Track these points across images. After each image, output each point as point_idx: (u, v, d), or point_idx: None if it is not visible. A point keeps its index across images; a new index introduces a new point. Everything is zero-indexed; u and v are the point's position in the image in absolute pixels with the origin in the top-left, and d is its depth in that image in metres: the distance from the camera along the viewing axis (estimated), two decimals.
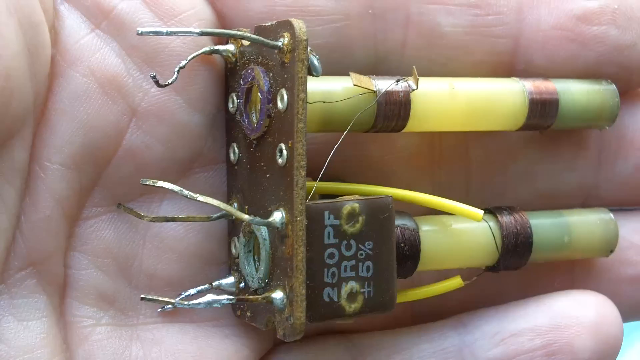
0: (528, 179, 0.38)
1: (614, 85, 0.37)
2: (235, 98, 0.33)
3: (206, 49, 0.32)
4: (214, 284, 0.34)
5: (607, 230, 0.38)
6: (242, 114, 0.32)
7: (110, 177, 0.32)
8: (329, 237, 0.31)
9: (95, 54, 0.31)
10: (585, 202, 0.39)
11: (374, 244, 0.32)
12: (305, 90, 0.30)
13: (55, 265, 0.31)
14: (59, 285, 0.32)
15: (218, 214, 0.33)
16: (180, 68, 0.31)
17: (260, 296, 0.31)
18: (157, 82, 0.31)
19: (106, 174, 0.32)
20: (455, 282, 0.35)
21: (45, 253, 0.31)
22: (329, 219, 0.31)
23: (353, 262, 0.31)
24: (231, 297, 0.31)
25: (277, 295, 0.30)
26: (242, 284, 0.33)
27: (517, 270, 0.37)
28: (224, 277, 0.34)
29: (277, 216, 0.30)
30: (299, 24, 0.30)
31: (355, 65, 0.34)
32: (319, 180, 0.32)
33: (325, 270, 0.31)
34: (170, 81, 0.31)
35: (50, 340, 0.31)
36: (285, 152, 0.30)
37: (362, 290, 0.31)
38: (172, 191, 0.31)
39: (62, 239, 0.32)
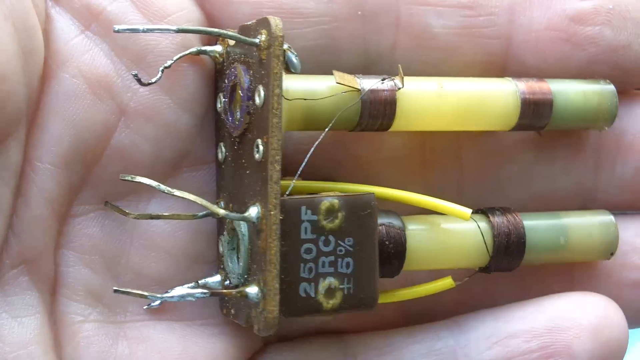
0: (523, 181, 0.38)
1: (613, 86, 0.36)
2: (222, 97, 0.33)
3: (193, 49, 0.33)
4: (200, 282, 0.34)
5: (607, 232, 0.37)
6: (227, 112, 0.33)
7: (98, 176, 0.33)
8: (306, 232, 0.31)
9: (85, 55, 0.32)
10: (584, 205, 0.38)
11: (355, 241, 0.32)
12: (280, 86, 0.30)
13: (46, 262, 0.32)
14: (50, 282, 0.32)
15: (204, 212, 0.33)
16: (165, 67, 0.32)
17: (234, 290, 0.31)
18: (139, 81, 0.32)
19: (95, 173, 0.33)
20: (446, 282, 0.34)
21: (36, 251, 0.32)
22: (306, 214, 0.31)
23: (332, 258, 0.31)
24: (205, 291, 0.31)
25: (252, 290, 0.31)
26: (227, 282, 0.33)
27: (512, 272, 0.36)
28: (211, 275, 0.34)
29: (253, 211, 0.31)
30: (275, 21, 0.30)
31: (345, 66, 0.34)
32: (298, 178, 0.32)
33: (302, 265, 0.31)
34: (153, 80, 0.32)
35: (43, 336, 0.31)
36: (261, 147, 0.30)
37: (341, 286, 0.31)
38: (161, 190, 0.31)
39: (53, 237, 0.32)
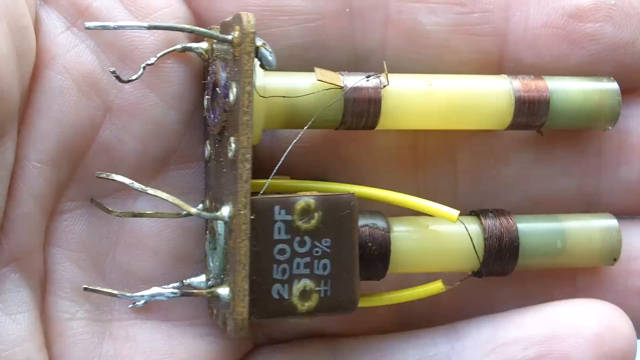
0: (521, 183, 0.37)
1: (616, 83, 0.35)
2: (206, 95, 0.33)
3: (177, 46, 0.33)
4: (185, 281, 0.33)
5: (609, 236, 0.35)
6: (209, 110, 0.32)
7: (84, 173, 0.33)
8: (279, 233, 0.30)
9: (71, 52, 0.32)
10: (588, 210, 0.37)
11: (332, 242, 0.31)
12: (251, 83, 0.29)
13: (36, 260, 0.32)
14: (40, 279, 0.32)
15: (186, 211, 0.33)
16: (148, 64, 0.32)
17: (204, 290, 0.31)
18: (118, 78, 0.31)
19: (81, 169, 0.33)
20: (436, 287, 0.33)
21: (26, 248, 0.32)
22: (279, 214, 0.30)
23: (307, 259, 0.31)
24: (175, 290, 0.31)
25: (224, 290, 0.30)
26: (210, 282, 0.33)
27: (512, 278, 0.35)
28: (198, 275, 0.34)
29: (225, 210, 0.30)
30: (247, 17, 0.30)
31: (334, 65, 0.34)
32: (273, 178, 0.32)
33: (275, 266, 0.30)
34: (134, 77, 0.32)
35: (36, 333, 0.32)
36: (233, 146, 0.30)
37: (317, 288, 0.31)
38: (134, 188, 0.31)
39: (41, 234, 0.32)
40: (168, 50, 0.32)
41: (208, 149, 0.33)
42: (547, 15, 0.35)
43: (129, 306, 0.33)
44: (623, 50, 0.35)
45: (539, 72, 0.35)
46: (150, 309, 0.34)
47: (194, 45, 0.33)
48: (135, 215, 0.32)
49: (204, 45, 0.33)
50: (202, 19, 0.34)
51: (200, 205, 0.33)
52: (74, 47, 0.32)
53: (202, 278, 0.33)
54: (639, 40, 0.35)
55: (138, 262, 0.34)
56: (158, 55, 0.32)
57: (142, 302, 0.33)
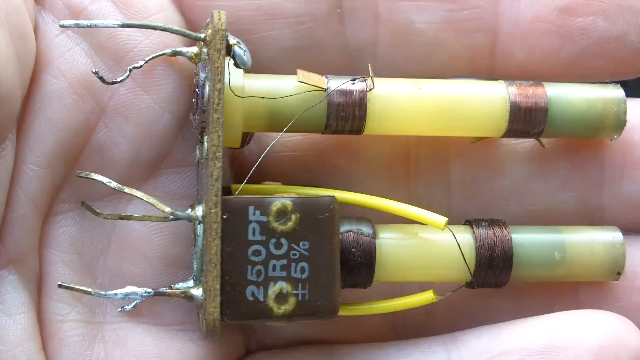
0: (518, 196, 0.36)
1: (622, 90, 0.34)
2: (193, 98, 0.33)
3: (167, 50, 0.33)
4: (173, 286, 0.33)
5: (612, 249, 0.34)
6: (194, 112, 0.32)
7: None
8: (254, 234, 0.30)
9: (65, 55, 0.32)
10: (591, 225, 0.35)
11: (311, 245, 0.30)
12: (221, 80, 0.29)
13: (32, 262, 0.32)
14: (37, 281, 0.33)
15: (174, 214, 0.32)
16: (135, 67, 0.32)
17: (178, 290, 0.30)
18: (101, 79, 0.32)
19: (74, 172, 0.33)
20: (427, 297, 0.32)
21: (22, 250, 0.32)
22: (254, 214, 0.30)
23: (284, 261, 0.30)
24: (149, 290, 0.31)
25: (197, 291, 0.30)
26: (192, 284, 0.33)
27: (511, 292, 0.34)
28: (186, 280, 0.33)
29: (199, 210, 0.30)
30: (218, 15, 0.30)
31: (328, 65, 0.34)
32: (246, 182, 0.31)
33: (249, 267, 0.30)
34: (119, 79, 0.32)
35: (35, 334, 0.32)
36: (206, 145, 0.30)
37: (294, 292, 0.30)
38: (112, 187, 0.31)
39: (37, 236, 0.33)
40: (157, 54, 0.32)
41: (197, 152, 0.33)
42: (537, 10, 0.34)
43: (118, 310, 0.33)
44: (615, 43, 0.34)
45: (530, 67, 0.34)
46: (141, 313, 0.34)
47: (184, 49, 0.33)
48: (122, 217, 0.32)
49: (193, 49, 0.33)
50: (195, 25, 0.34)
51: (189, 210, 0.33)
52: (68, 50, 0.32)
53: (190, 283, 0.33)
54: (631, 34, 0.34)
55: (129, 266, 0.33)
56: (147, 58, 0.32)
57: (131, 306, 0.33)
